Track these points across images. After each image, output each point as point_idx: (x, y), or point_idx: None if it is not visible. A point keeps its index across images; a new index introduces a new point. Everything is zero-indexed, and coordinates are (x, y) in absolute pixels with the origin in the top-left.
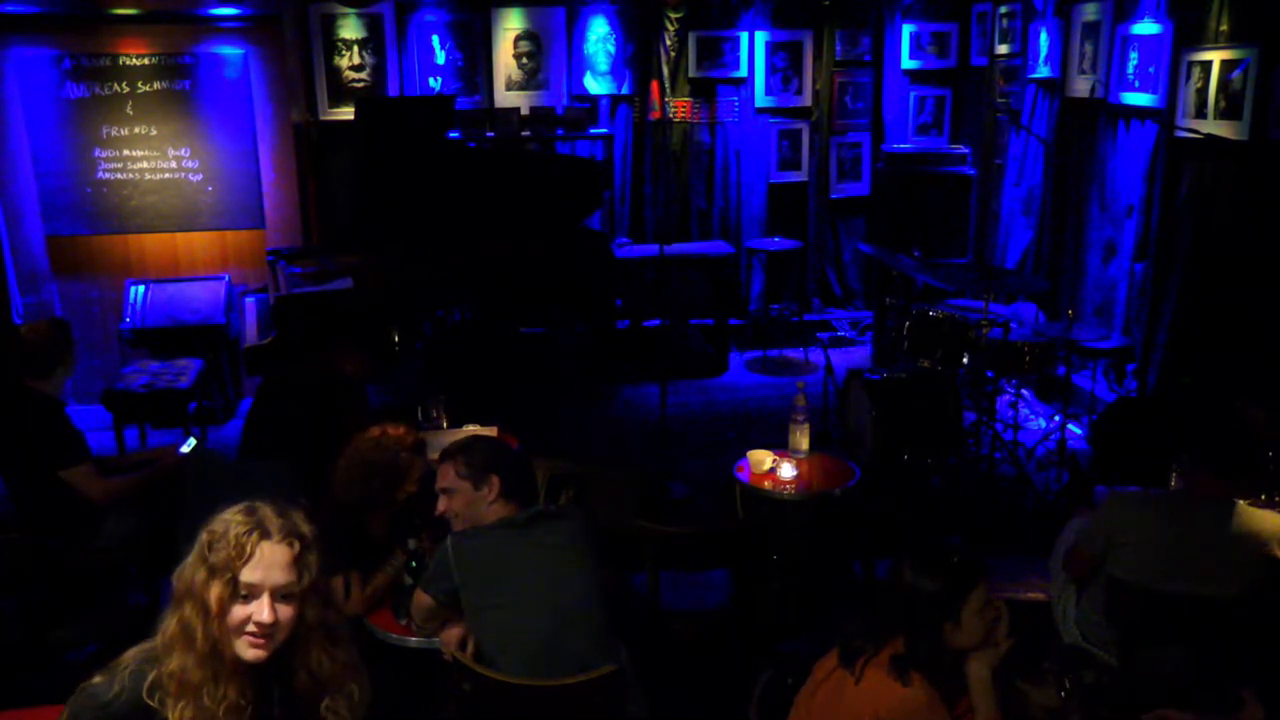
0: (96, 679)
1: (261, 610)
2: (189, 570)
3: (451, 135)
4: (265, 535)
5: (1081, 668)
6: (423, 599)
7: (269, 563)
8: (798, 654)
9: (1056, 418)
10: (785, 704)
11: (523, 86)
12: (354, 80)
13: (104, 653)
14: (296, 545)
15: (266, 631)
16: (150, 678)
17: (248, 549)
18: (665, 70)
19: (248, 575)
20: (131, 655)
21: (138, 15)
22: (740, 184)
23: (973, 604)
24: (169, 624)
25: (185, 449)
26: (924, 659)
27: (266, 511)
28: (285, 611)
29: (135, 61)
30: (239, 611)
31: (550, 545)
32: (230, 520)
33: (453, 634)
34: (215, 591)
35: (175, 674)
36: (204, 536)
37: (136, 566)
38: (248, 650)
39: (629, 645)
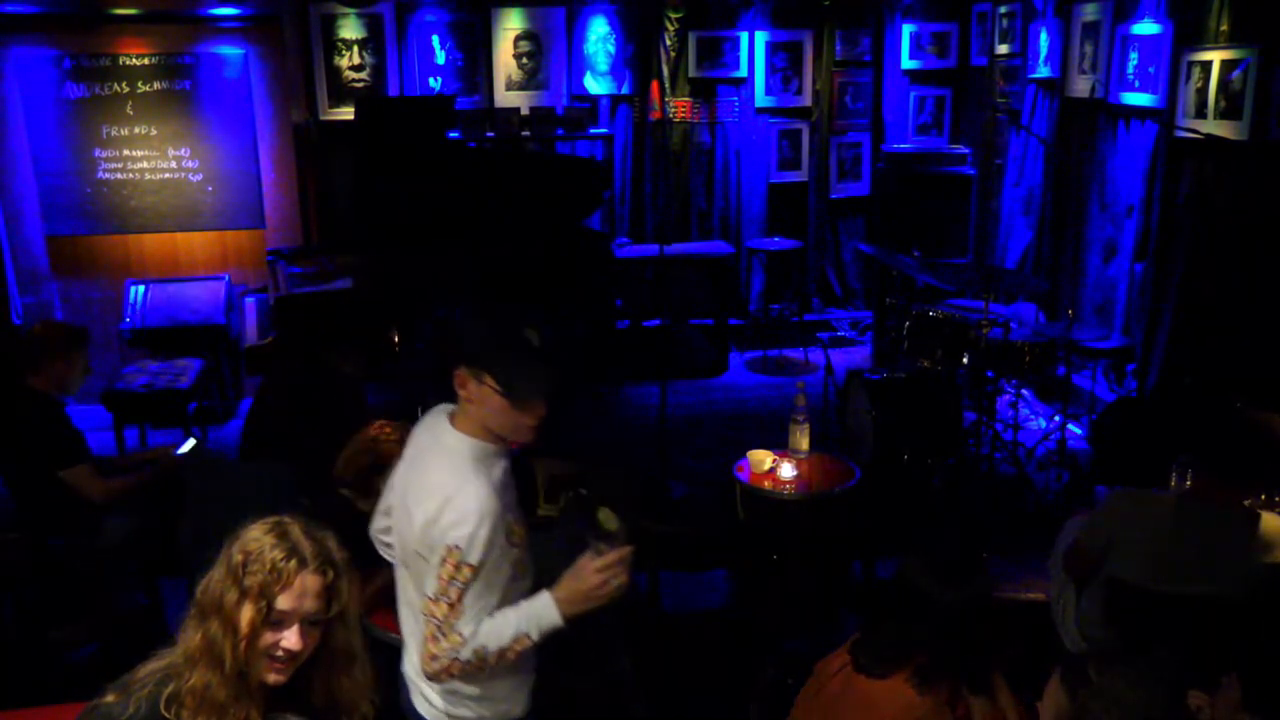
0: (109, 697)
1: (291, 637)
2: (217, 586)
3: (451, 135)
4: (303, 564)
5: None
6: None
7: (304, 592)
8: (798, 654)
9: (1056, 418)
10: (786, 704)
11: (523, 86)
12: (354, 80)
13: (104, 653)
14: (330, 574)
15: (291, 657)
16: (168, 691)
17: (284, 577)
18: (665, 70)
19: (282, 603)
20: (147, 673)
21: (138, 15)
22: (740, 184)
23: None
24: (192, 637)
25: (185, 449)
26: (948, 672)
27: (298, 534)
28: (312, 638)
29: (135, 61)
30: (268, 636)
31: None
32: (264, 541)
33: None
34: (247, 615)
35: (197, 690)
36: (236, 555)
37: (136, 566)
38: (269, 674)
39: (629, 645)
